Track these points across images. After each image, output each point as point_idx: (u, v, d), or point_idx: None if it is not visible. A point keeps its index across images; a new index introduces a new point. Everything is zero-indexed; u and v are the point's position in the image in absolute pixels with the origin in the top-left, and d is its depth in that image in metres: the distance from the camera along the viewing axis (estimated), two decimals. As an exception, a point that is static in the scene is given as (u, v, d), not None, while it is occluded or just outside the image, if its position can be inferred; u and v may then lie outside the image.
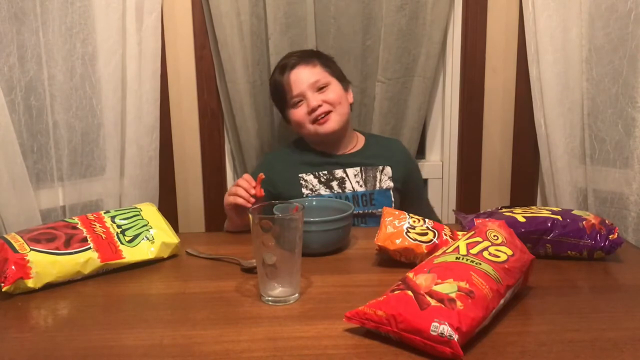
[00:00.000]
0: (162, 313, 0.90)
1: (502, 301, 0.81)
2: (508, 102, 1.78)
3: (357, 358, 0.74)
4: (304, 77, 1.43)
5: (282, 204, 0.99)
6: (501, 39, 1.74)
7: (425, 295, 0.76)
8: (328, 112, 1.43)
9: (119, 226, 1.11)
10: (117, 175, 1.59)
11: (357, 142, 1.54)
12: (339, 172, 1.48)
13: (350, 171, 1.48)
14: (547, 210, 1.12)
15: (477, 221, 0.97)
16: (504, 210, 1.16)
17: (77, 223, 1.09)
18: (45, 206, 1.46)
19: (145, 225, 1.13)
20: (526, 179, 1.83)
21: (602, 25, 1.55)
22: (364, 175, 1.48)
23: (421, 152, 1.87)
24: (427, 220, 1.10)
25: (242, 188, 1.24)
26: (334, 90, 1.45)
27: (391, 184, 1.49)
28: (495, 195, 1.84)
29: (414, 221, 1.08)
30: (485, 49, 1.74)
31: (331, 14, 1.67)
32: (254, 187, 1.24)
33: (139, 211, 1.17)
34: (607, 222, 1.09)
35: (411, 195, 1.54)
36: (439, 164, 1.86)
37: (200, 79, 1.73)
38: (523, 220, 1.08)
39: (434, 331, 0.71)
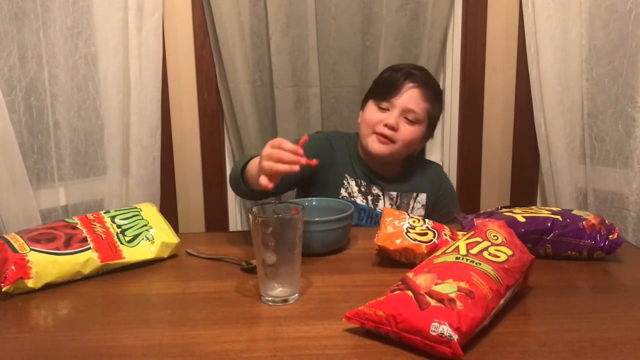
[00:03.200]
0: (162, 313, 0.90)
1: (502, 301, 0.81)
2: (508, 102, 1.78)
3: (357, 358, 0.74)
4: (410, 98, 1.36)
5: (282, 203, 0.99)
6: (501, 39, 1.74)
7: (425, 295, 0.76)
8: (391, 140, 1.37)
9: (118, 226, 1.11)
10: (121, 175, 1.59)
11: (397, 166, 1.49)
12: (376, 190, 1.44)
13: (387, 194, 1.45)
14: (547, 210, 1.12)
15: (477, 221, 0.97)
16: (504, 210, 1.16)
17: (77, 223, 1.09)
18: (46, 206, 1.47)
19: (145, 225, 1.13)
20: (526, 179, 1.83)
21: (602, 25, 1.55)
22: (398, 200, 1.46)
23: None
24: (427, 220, 1.10)
25: (288, 153, 0.96)
26: (415, 132, 1.38)
27: (422, 212, 1.47)
28: (495, 195, 1.84)
29: (414, 221, 1.08)
30: (485, 49, 1.74)
31: (331, 14, 1.67)
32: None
33: (138, 211, 1.17)
34: (607, 222, 1.09)
35: (440, 219, 1.48)
36: (439, 164, 1.86)
37: (200, 79, 1.73)
38: (523, 220, 1.08)
39: (434, 331, 0.71)
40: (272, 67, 1.66)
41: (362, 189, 1.43)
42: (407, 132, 1.37)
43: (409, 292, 0.77)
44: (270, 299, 0.90)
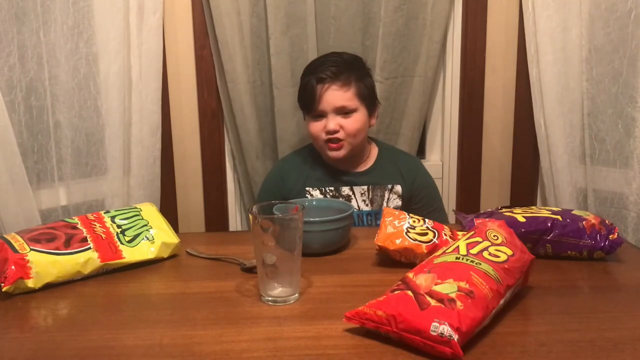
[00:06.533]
0: (162, 313, 0.90)
1: (502, 301, 0.81)
2: (508, 102, 1.78)
3: (357, 358, 0.74)
4: (332, 99, 1.39)
5: (282, 204, 0.99)
6: (501, 39, 1.74)
7: (425, 295, 0.76)
8: (340, 140, 1.41)
9: (119, 226, 1.11)
10: (122, 175, 1.59)
11: (369, 157, 1.51)
12: (345, 190, 1.47)
13: (357, 189, 1.47)
14: (547, 210, 1.12)
15: (477, 221, 0.97)
16: (504, 210, 1.16)
17: (77, 223, 1.09)
18: (46, 206, 1.46)
19: (145, 225, 1.13)
20: (526, 179, 1.83)
21: (602, 25, 1.55)
22: (371, 194, 1.47)
23: (421, 152, 1.87)
24: (427, 220, 1.10)
25: None
26: (357, 120, 1.41)
27: (399, 203, 1.47)
28: (495, 195, 1.84)
29: (414, 221, 1.08)
30: (485, 49, 1.74)
31: (331, 14, 1.67)
32: None
33: (138, 211, 1.17)
34: (607, 222, 1.09)
35: (417, 212, 1.46)
36: (439, 164, 1.86)
37: (200, 79, 1.73)
38: (523, 220, 1.08)
39: (434, 331, 0.71)
40: (271, 67, 1.66)
41: (329, 196, 1.47)
42: (350, 124, 1.40)
43: (409, 292, 0.77)
44: (270, 299, 0.90)
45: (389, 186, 1.47)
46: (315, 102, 1.40)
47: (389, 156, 1.53)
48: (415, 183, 1.49)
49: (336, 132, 1.40)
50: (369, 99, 1.44)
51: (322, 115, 1.41)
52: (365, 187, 1.47)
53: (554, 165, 1.67)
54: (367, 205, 1.47)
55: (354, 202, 1.46)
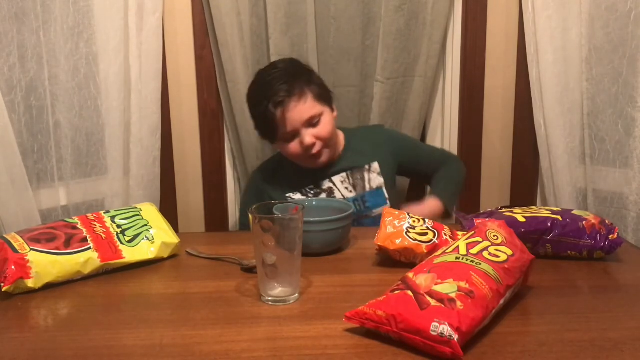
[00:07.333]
0: (162, 313, 0.90)
1: (502, 301, 0.81)
2: (508, 102, 1.78)
3: (357, 358, 0.74)
4: (298, 116, 1.34)
5: (282, 204, 0.99)
6: (501, 39, 1.74)
7: (425, 295, 0.76)
8: (321, 147, 1.39)
9: (119, 226, 1.11)
10: (122, 175, 1.59)
11: (339, 144, 1.49)
12: (325, 183, 1.46)
13: (337, 179, 1.45)
14: (547, 210, 1.12)
15: (477, 221, 0.97)
16: (504, 210, 1.16)
17: (77, 223, 1.09)
18: (46, 206, 1.46)
19: (145, 225, 1.13)
20: (526, 179, 1.83)
21: (602, 25, 1.55)
22: (351, 180, 1.46)
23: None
24: (427, 220, 1.10)
25: None
26: (326, 123, 1.38)
27: (381, 180, 1.46)
28: (495, 195, 1.84)
29: (414, 221, 1.08)
30: (485, 49, 1.74)
31: (331, 14, 1.67)
32: None
33: (138, 211, 1.17)
34: (607, 222, 1.09)
35: (420, 167, 1.54)
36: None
37: (200, 79, 1.73)
38: (523, 220, 1.08)
39: (434, 331, 0.71)
40: (272, 67, 1.65)
41: (311, 194, 1.46)
42: (323, 128, 1.38)
43: (409, 292, 0.77)
44: (270, 299, 0.90)
45: (366, 166, 1.46)
46: (282, 127, 1.36)
47: (355, 137, 1.51)
48: (396, 149, 1.51)
49: (314, 144, 1.38)
50: (325, 96, 1.42)
51: (294, 135, 1.38)
52: (344, 175, 1.46)
53: (554, 165, 1.67)
54: (350, 192, 1.46)
55: (337, 193, 1.45)
